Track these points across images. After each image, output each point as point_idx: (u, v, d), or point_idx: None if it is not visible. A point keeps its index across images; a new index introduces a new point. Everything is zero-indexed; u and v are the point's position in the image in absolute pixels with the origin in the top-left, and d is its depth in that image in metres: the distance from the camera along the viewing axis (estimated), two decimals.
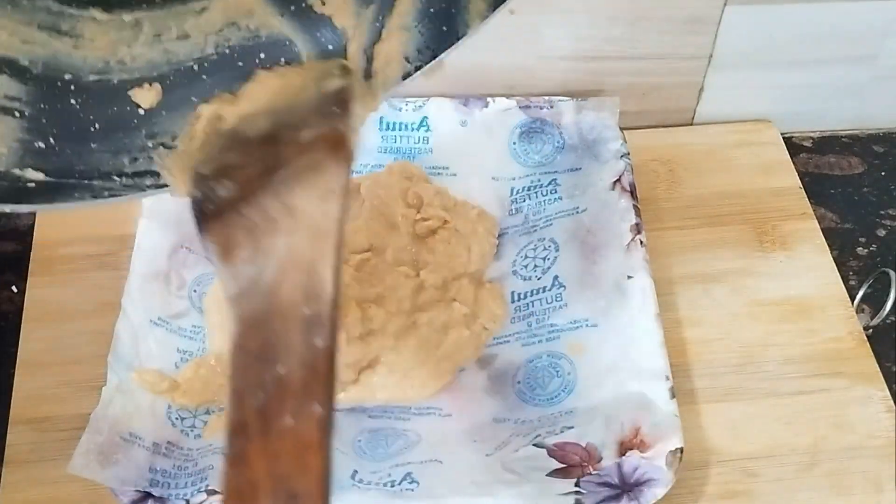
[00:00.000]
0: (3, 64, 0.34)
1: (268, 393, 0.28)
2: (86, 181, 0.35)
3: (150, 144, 0.36)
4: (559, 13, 0.62)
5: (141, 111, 0.36)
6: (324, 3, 0.38)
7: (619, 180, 0.58)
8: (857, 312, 0.58)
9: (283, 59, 0.37)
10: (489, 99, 0.63)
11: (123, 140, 0.36)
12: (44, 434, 0.52)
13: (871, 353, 0.56)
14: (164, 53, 0.37)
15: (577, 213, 0.59)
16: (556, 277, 0.57)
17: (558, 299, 0.56)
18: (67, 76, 0.35)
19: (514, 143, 0.62)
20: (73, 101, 0.35)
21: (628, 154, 0.60)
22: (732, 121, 0.68)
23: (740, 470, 0.51)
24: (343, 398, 0.53)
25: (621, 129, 0.61)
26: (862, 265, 0.63)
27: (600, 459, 0.48)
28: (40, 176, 0.34)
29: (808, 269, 0.60)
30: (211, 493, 0.46)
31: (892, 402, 0.54)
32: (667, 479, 0.47)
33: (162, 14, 0.37)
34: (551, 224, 0.59)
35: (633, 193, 0.58)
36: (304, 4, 0.38)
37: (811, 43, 0.65)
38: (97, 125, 0.36)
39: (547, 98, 0.63)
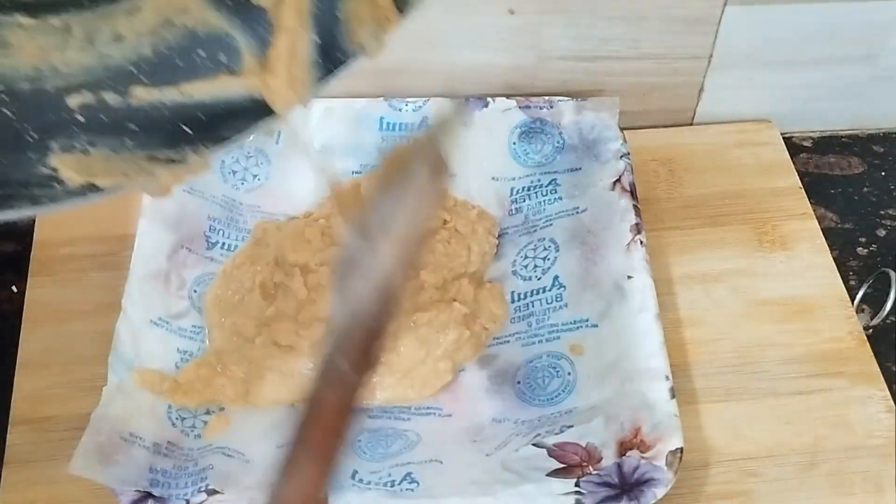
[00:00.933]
0: None
1: None
2: (24, 190, 0.34)
3: (90, 150, 0.35)
4: (559, 13, 0.62)
5: (80, 118, 0.35)
6: None
7: (619, 180, 0.58)
8: (857, 312, 0.58)
9: (223, 56, 0.37)
10: (489, 99, 0.63)
11: (63, 147, 0.35)
12: (44, 434, 0.52)
13: (871, 353, 0.56)
14: (98, 58, 0.36)
15: (577, 213, 0.59)
16: (556, 278, 0.57)
17: (558, 299, 0.56)
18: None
19: (514, 144, 0.62)
20: (5, 110, 0.34)
21: (628, 154, 0.60)
22: (732, 121, 0.68)
23: (740, 470, 0.51)
24: None
25: (621, 129, 0.61)
26: (862, 265, 0.63)
27: (600, 459, 0.48)
28: None
29: (808, 269, 0.60)
30: (211, 492, 0.46)
31: (892, 402, 0.54)
32: (667, 479, 0.47)
33: (91, 17, 0.35)
34: (551, 224, 0.59)
35: (633, 193, 0.58)
36: None
37: (811, 43, 0.65)
38: (35, 134, 0.34)
39: (547, 98, 0.63)
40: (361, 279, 0.31)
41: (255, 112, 0.37)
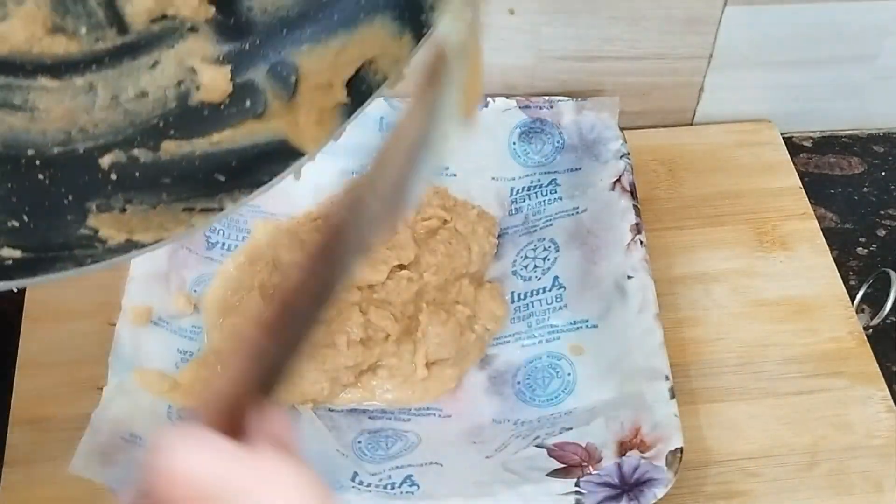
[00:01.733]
0: None
1: None
2: (66, 252, 0.34)
3: (128, 207, 0.35)
4: (559, 13, 0.62)
5: (114, 176, 0.35)
6: None
7: (619, 180, 0.58)
8: (857, 312, 0.58)
9: (248, 101, 0.37)
10: (489, 99, 0.63)
11: (100, 206, 0.35)
12: (44, 434, 0.52)
13: (871, 353, 0.56)
14: (125, 115, 0.36)
15: (577, 213, 0.59)
16: (556, 278, 0.57)
17: (558, 300, 0.56)
18: (30, 152, 0.34)
19: (514, 143, 0.62)
20: (40, 176, 0.34)
21: (628, 154, 0.60)
22: (732, 121, 0.68)
23: (740, 470, 0.51)
24: (344, 399, 0.53)
25: (621, 129, 0.61)
26: (862, 265, 0.63)
27: (600, 459, 0.48)
28: (18, 253, 0.32)
29: (808, 269, 0.60)
30: None
31: (892, 402, 0.54)
32: (667, 479, 0.47)
33: (114, 74, 0.36)
34: (551, 224, 0.59)
35: (633, 193, 0.58)
36: None
37: (811, 43, 0.65)
38: (70, 197, 0.34)
39: (547, 98, 0.63)
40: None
41: (288, 152, 0.37)
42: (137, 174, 0.36)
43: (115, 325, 0.53)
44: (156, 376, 0.51)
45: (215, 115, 0.37)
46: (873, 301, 0.59)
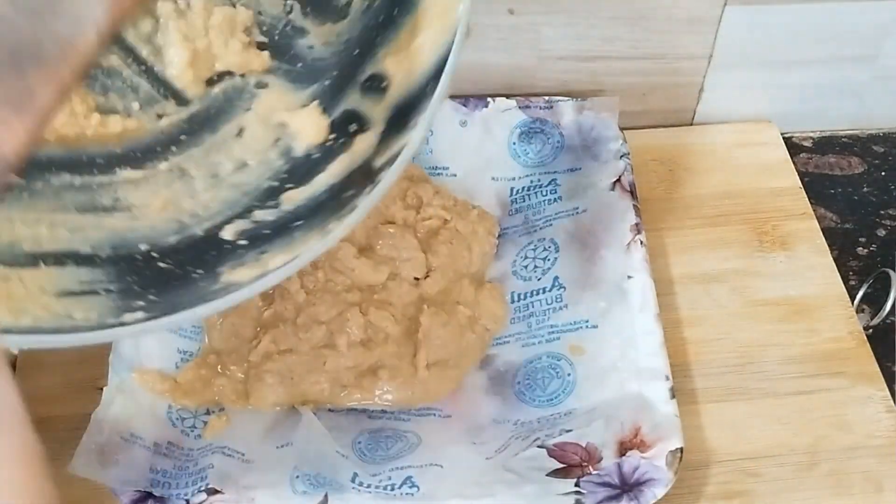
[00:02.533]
0: (63, 256, 0.30)
1: None
2: (199, 301, 0.31)
3: (262, 256, 0.33)
4: (559, 13, 0.62)
5: (243, 241, 0.33)
6: None
7: (619, 180, 0.58)
8: (857, 312, 0.58)
9: (352, 125, 0.36)
10: (489, 99, 0.63)
11: (233, 266, 0.33)
12: (44, 434, 0.51)
13: (871, 353, 0.56)
14: (233, 189, 0.34)
15: (577, 213, 0.59)
16: (556, 278, 0.57)
17: (558, 300, 0.56)
18: (143, 247, 0.32)
19: (514, 143, 0.62)
20: (162, 265, 0.32)
21: (628, 154, 0.60)
22: (732, 121, 0.68)
23: (740, 470, 0.51)
24: (344, 400, 0.53)
25: (621, 129, 0.61)
26: (862, 265, 0.63)
27: (600, 459, 0.48)
28: (140, 315, 0.30)
29: (808, 269, 0.60)
30: (211, 492, 0.47)
31: (892, 402, 0.54)
32: (667, 479, 0.47)
33: (200, 152, 0.34)
34: (551, 224, 0.59)
35: (633, 193, 0.58)
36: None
37: (811, 43, 0.65)
38: (200, 271, 0.32)
39: (547, 98, 0.63)
40: None
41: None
42: (266, 231, 0.34)
43: None
44: (156, 376, 0.51)
45: (325, 151, 0.35)
46: (873, 301, 0.60)
